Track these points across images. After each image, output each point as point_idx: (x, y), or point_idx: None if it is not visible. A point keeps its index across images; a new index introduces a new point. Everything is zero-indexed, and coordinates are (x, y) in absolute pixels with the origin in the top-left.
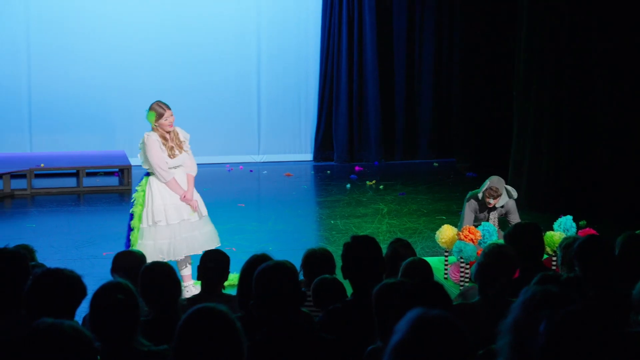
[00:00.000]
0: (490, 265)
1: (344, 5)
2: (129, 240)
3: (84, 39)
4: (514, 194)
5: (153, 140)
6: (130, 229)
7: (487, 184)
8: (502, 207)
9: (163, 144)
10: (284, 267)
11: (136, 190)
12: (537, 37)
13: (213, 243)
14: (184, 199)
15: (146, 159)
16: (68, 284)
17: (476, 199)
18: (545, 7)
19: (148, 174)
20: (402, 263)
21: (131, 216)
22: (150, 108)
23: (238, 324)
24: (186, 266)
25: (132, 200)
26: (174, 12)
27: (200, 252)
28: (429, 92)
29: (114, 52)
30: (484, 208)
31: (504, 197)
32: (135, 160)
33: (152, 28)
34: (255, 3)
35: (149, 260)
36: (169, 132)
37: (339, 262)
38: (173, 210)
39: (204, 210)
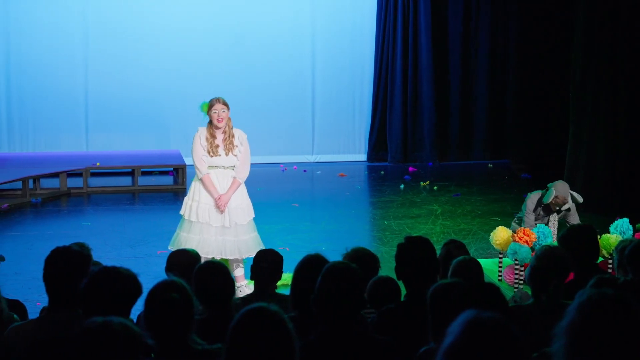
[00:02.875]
0: (542, 268)
1: (399, 6)
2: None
3: (139, 43)
4: (580, 199)
5: (197, 135)
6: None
7: (552, 192)
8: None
9: (207, 139)
10: (354, 270)
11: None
12: (593, 38)
13: (246, 252)
14: (218, 200)
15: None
16: (124, 283)
17: (539, 202)
18: (602, 7)
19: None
20: (452, 262)
21: None
22: (205, 103)
23: (290, 324)
24: (239, 266)
25: None
26: (229, 15)
27: (231, 257)
28: (483, 92)
29: (169, 54)
30: (548, 211)
31: (569, 202)
32: (190, 160)
33: (207, 30)
34: (310, 4)
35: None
36: (219, 129)
37: (392, 263)
38: (204, 209)
39: (242, 218)
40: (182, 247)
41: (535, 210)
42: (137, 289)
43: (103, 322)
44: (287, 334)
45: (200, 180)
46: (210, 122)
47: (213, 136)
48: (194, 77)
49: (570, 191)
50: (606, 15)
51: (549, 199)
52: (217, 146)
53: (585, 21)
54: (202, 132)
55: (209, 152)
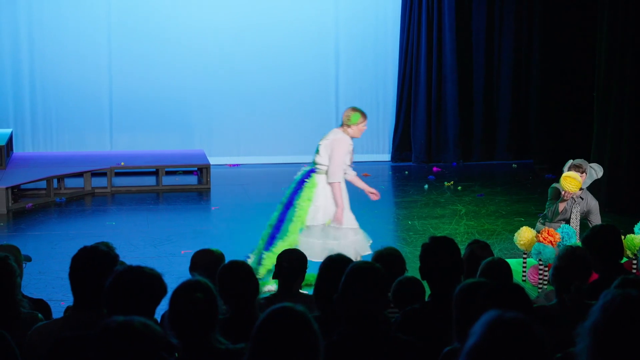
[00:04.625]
0: (564, 268)
1: (423, 6)
2: (279, 230)
3: (163, 42)
4: (599, 171)
5: (346, 140)
6: (282, 221)
7: (567, 164)
8: (584, 202)
9: (352, 144)
10: (378, 270)
11: (302, 185)
12: (618, 38)
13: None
14: (339, 209)
15: (324, 153)
16: (149, 282)
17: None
18: (626, 8)
19: (315, 171)
20: (482, 262)
21: (287, 206)
22: (356, 109)
23: (315, 325)
24: None
25: (293, 193)
26: (252, 14)
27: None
28: (507, 92)
29: (193, 54)
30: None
31: (590, 177)
32: (214, 160)
33: (231, 30)
34: (334, 3)
35: (316, 259)
36: (356, 136)
37: (416, 263)
38: (321, 212)
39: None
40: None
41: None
42: (161, 288)
43: (124, 320)
44: (312, 334)
45: (331, 184)
46: (345, 129)
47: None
48: (218, 76)
49: (590, 164)
50: (631, 16)
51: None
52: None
53: (609, 21)
54: (347, 139)
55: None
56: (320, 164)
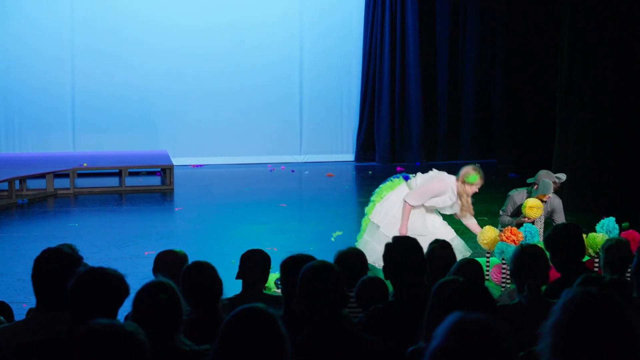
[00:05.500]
0: (518, 268)
1: (387, 5)
2: None
3: (127, 41)
4: (563, 177)
5: (450, 187)
6: None
7: (549, 184)
8: (548, 202)
9: (455, 197)
10: (330, 268)
11: (389, 180)
12: (580, 39)
13: None
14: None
15: (426, 180)
16: (111, 283)
17: (522, 196)
18: (589, 8)
19: (407, 179)
20: (457, 262)
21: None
22: (477, 170)
23: (283, 327)
24: None
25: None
26: (218, 15)
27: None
28: (471, 92)
29: (157, 54)
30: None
31: (556, 199)
32: (178, 160)
33: (195, 30)
34: (299, 4)
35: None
36: (462, 196)
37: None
38: (396, 226)
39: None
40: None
41: (515, 204)
42: (124, 289)
43: (110, 323)
44: (279, 335)
45: (405, 203)
46: (459, 183)
47: (458, 196)
48: (182, 76)
49: (556, 175)
50: (593, 16)
51: (549, 191)
52: (459, 206)
53: (572, 22)
54: (453, 185)
55: (447, 205)
56: (415, 181)
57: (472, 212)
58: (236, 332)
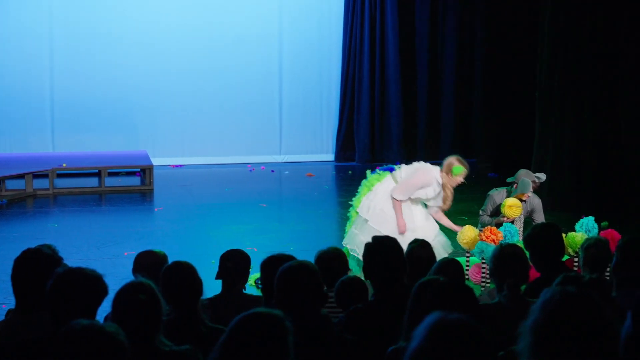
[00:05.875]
0: (497, 267)
1: (366, 5)
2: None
3: (106, 41)
4: (543, 177)
5: (436, 179)
6: None
7: (528, 183)
8: (528, 202)
9: (439, 188)
10: (307, 267)
11: (376, 173)
12: (559, 38)
13: None
14: (400, 229)
15: (411, 172)
16: (89, 283)
17: (502, 196)
18: (568, 9)
19: (392, 171)
20: (437, 262)
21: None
22: (462, 162)
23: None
24: None
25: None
26: (198, 14)
27: None
28: (451, 92)
29: (136, 53)
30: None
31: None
32: (156, 160)
33: (174, 29)
34: (278, 5)
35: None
36: (446, 187)
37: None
38: (385, 220)
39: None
40: (353, 245)
41: (495, 204)
42: (102, 289)
43: (90, 324)
44: (285, 340)
45: (393, 199)
46: (443, 174)
47: (442, 187)
48: (162, 77)
49: (536, 175)
50: (572, 17)
51: (527, 189)
52: (441, 198)
53: (551, 22)
54: (438, 177)
55: (430, 197)
56: (400, 173)
57: (450, 205)
58: (242, 335)
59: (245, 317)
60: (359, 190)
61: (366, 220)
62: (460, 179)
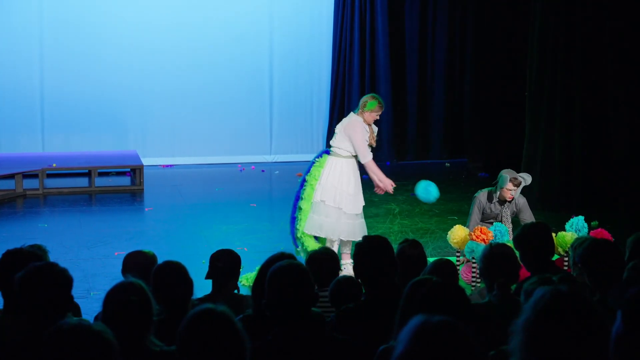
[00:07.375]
0: (486, 267)
1: (356, 5)
2: (296, 209)
3: (96, 39)
4: (528, 179)
5: (359, 122)
6: (297, 199)
7: (506, 178)
8: (513, 203)
9: (366, 126)
10: (298, 267)
11: (313, 164)
12: (549, 38)
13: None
14: (379, 182)
15: (343, 138)
16: (51, 277)
17: (488, 197)
18: (558, 6)
19: (329, 153)
20: (431, 262)
21: (301, 185)
22: (375, 97)
23: (239, 325)
24: (349, 247)
25: (305, 172)
26: (187, 11)
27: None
28: (441, 91)
29: (126, 52)
30: (501, 203)
31: (520, 197)
32: (147, 160)
33: (164, 28)
34: (268, 3)
35: (322, 235)
36: (369, 125)
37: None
38: (345, 197)
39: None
40: (314, 231)
41: (482, 207)
42: (65, 279)
43: (79, 324)
44: (235, 334)
45: (365, 163)
46: (360, 113)
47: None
48: (152, 76)
49: (518, 174)
50: (562, 16)
51: (505, 183)
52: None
53: (541, 21)
54: (361, 122)
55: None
56: (335, 147)
57: (375, 140)
58: (192, 334)
59: (192, 316)
60: (308, 182)
61: (322, 202)
62: (375, 115)
